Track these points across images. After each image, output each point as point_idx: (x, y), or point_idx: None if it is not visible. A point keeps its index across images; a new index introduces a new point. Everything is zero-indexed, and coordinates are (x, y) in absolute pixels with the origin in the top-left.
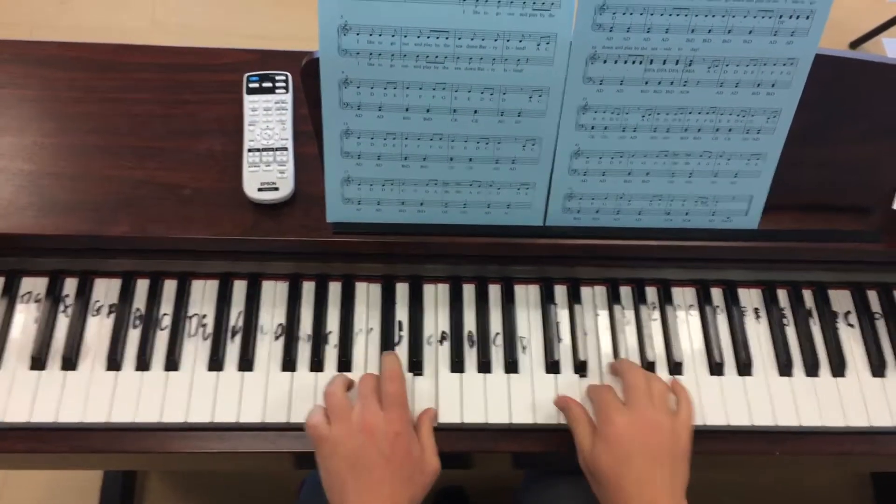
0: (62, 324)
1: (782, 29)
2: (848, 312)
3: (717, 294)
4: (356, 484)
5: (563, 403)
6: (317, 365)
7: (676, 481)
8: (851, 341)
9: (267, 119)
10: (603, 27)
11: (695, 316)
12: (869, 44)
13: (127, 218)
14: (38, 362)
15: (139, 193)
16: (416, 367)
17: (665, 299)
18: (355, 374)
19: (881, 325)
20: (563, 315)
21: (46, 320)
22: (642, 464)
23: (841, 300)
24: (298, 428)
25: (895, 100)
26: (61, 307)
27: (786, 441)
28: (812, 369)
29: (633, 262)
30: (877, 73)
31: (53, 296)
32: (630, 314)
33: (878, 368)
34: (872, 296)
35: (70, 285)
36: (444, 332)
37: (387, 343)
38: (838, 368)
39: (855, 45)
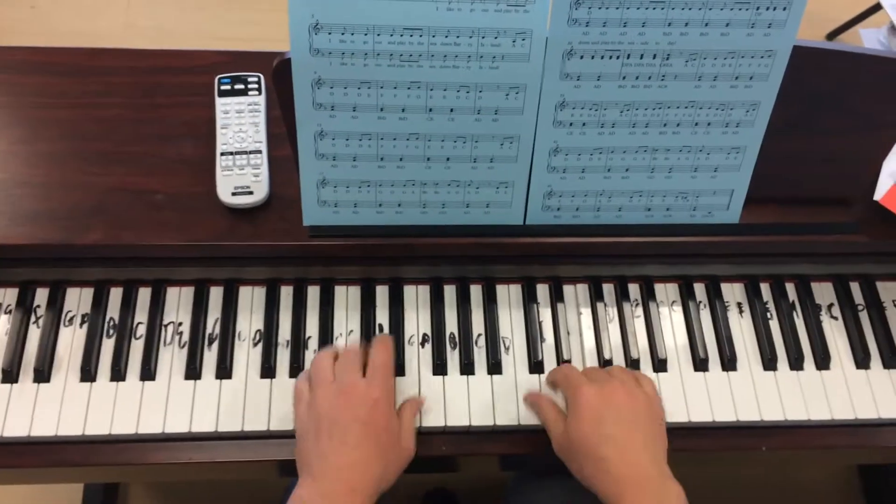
0: (34, 335)
1: (759, 21)
2: (831, 305)
3: (699, 289)
4: (329, 443)
5: (532, 398)
6: (296, 371)
7: (657, 447)
8: (835, 334)
9: (239, 122)
10: (579, 22)
11: (678, 312)
12: (845, 35)
13: (99, 225)
14: (10, 375)
15: (111, 200)
16: (398, 370)
17: (648, 296)
18: None
19: (864, 317)
20: (545, 314)
21: (17, 332)
22: (618, 427)
23: (824, 292)
24: (279, 436)
25: (874, 90)
26: (32, 318)
27: (772, 436)
28: (796, 363)
29: (614, 259)
30: (855, 64)
31: (24, 306)
32: (613, 312)
33: (862, 360)
34: (855, 287)
35: (41, 295)
36: (425, 335)
37: None
38: (823, 361)
39: (832, 36)
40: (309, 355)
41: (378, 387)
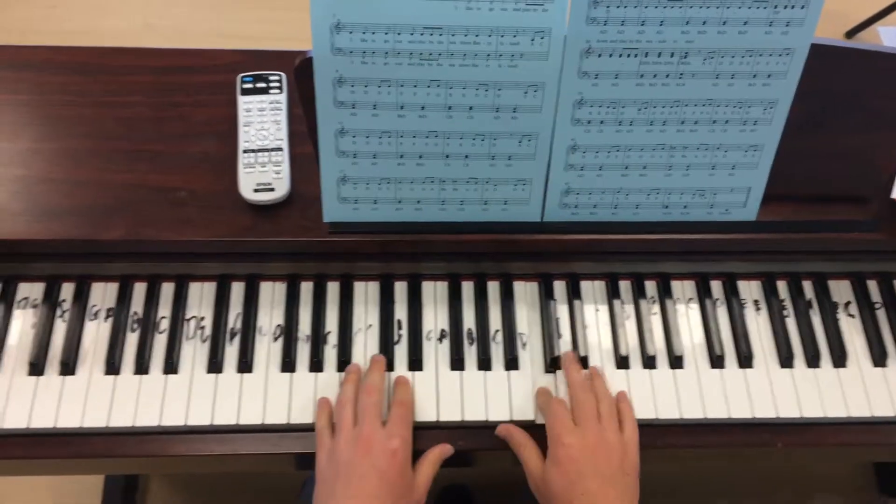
0: (60, 329)
1: (777, 19)
2: (848, 303)
3: (716, 287)
4: (346, 491)
5: (504, 432)
6: (316, 365)
7: (626, 497)
8: (852, 331)
9: (261, 119)
10: (597, 21)
11: (695, 309)
12: (864, 33)
13: (122, 222)
14: (37, 368)
15: (134, 197)
16: (415, 365)
17: (665, 293)
18: None
19: (882, 315)
20: (562, 310)
21: (44, 326)
22: (594, 483)
23: (841, 290)
24: (299, 429)
25: (891, 88)
26: (58, 312)
27: (788, 432)
28: (813, 360)
29: (631, 256)
30: (873, 62)
31: (50, 301)
32: (630, 308)
33: (879, 358)
34: (872, 285)
35: (67, 290)
36: (443, 330)
37: (386, 342)
38: (839, 359)
39: (851, 34)
40: (328, 350)
41: (397, 437)
